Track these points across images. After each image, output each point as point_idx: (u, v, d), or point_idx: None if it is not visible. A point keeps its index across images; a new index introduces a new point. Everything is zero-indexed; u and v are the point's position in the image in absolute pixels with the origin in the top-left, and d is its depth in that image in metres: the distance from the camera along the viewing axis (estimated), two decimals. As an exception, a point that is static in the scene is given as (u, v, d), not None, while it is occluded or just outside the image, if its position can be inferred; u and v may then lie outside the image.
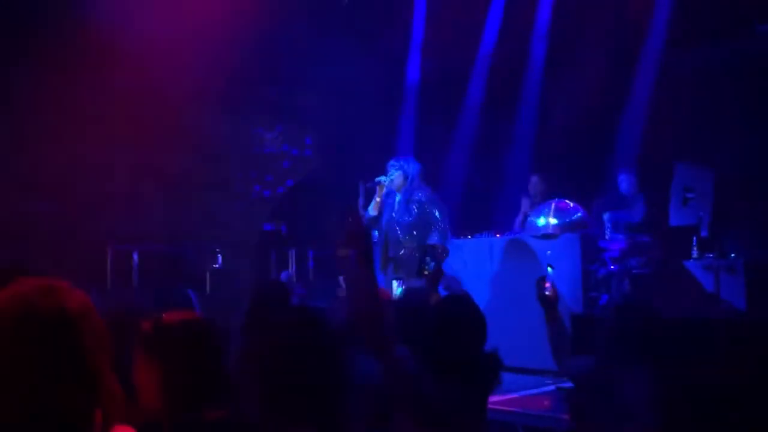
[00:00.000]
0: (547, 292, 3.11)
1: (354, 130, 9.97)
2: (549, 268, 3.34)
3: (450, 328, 2.42)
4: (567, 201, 6.92)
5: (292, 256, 9.17)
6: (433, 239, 5.55)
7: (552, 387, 5.73)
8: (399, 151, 9.45)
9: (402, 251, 5.58)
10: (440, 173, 9.31)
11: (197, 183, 9.62)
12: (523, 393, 5.54)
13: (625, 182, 7.22)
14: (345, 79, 9.45)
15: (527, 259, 6.65)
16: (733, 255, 6.23)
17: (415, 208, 5.61)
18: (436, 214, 5.63)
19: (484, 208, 8.86)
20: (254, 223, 10.32)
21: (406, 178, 5.70)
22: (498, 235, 7.17)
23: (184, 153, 9.43)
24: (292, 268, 9.11)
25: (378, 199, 5.73)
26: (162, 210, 8.79)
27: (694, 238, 6.38)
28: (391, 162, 5.84)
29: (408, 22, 9.99)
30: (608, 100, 8.56)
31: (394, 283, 5.24)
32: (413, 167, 5.75)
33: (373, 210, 5.75)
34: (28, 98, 8.20)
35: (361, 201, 5.84)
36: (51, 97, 8.38)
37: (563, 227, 6.69)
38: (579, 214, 6.80)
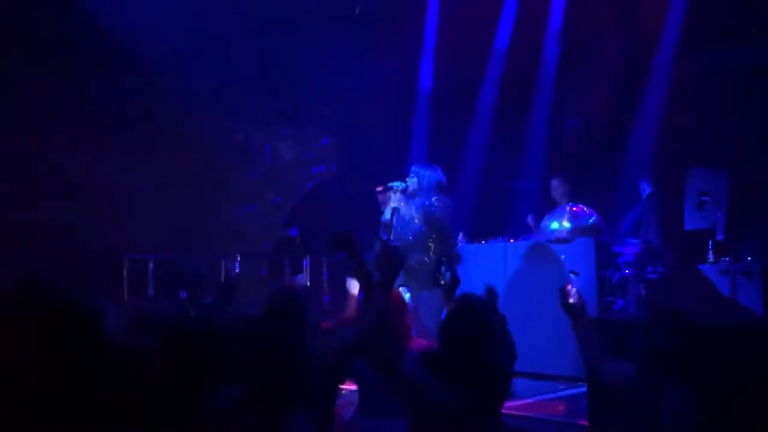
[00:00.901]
0: (571, 300, 2.92)
1: (368, 136, 9.99)
2: (572, 275, 3.17)
3: (458, 337, 2.39)
4: (582, 205, 6.89)
5: (306, 263, 9.18)
6: (445, 248, 5.51)
7: (566, 392, 5.71)
8: (413, 156, 9.45)
9: (414, 258, 5.54)
10: (454, 178, 9.29)
11: (212, 191, 9.68)
12: (537, 398, 5.52)
13: (642, 187, 7.19)
14: (359, 87, 9.47)
15: (542, 264, 6.61)
16: (749, 258, 6.16)
17: (424, 217, 5.57)
18: (446, 223, 5.58)
19: (498, 212, 8.83)
20: (269, 230, 10.36)
21: (420, 185, 5.67)
22: (512, 240, 7.15)
23: (198, 162, 9.50)
24: (306, 274, 9.11)
25: (392, 205, 5.69)
26: (177, 219, 8.84)
27: (710, 242, 6.32)
28: (413, 168, 5.81)
29: (420, 28, 10.00)
30: (622, 104, 8.53)
31: (402, 290, 5.21)
32: (429, 175, 5.69)
33: (387, 215, 5.71)
34: (41, 108, 8.29)
35: (385, 214, 5.76)
36: (66, 107, 8.47)
37: (577, 231, 6.66)
38: (593, 219, 6.77)
